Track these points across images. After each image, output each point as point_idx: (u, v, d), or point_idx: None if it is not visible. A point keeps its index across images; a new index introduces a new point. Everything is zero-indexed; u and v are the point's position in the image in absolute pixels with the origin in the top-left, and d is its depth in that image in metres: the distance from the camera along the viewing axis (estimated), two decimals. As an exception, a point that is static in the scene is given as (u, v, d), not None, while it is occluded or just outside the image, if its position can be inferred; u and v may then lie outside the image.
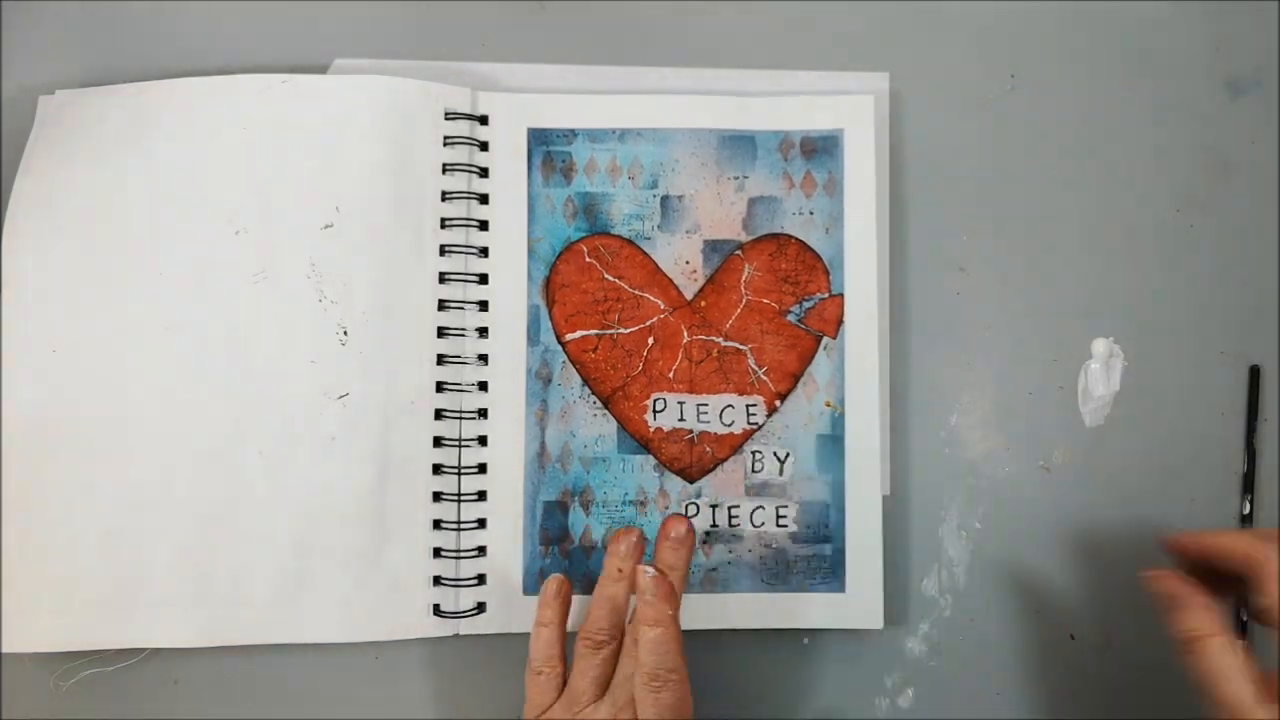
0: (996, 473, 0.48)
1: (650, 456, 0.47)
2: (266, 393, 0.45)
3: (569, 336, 0.48)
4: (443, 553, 0.46)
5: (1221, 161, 0.50)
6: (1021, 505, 0.48)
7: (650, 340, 0.48)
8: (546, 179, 0.48)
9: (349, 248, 0.46)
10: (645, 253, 0.48)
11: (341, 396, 0.45)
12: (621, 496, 0.47)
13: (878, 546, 0.47)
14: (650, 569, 0.41)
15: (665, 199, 0.48)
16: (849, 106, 0.49)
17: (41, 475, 0.45)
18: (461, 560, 0.46)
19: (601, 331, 0.48)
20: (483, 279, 0.48)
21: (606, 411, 0.47)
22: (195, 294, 0.46)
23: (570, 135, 0.48)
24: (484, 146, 0.48)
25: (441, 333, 0.47)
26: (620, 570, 0.42)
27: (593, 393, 0.47)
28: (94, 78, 0.49)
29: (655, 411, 0.47)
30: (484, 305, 0.47)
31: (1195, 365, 0.49)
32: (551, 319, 0.48)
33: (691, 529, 0.42)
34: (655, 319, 0.48)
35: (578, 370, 0.48)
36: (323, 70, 0.49)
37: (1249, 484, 0.48)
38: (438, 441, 0.46)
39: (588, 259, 0.48)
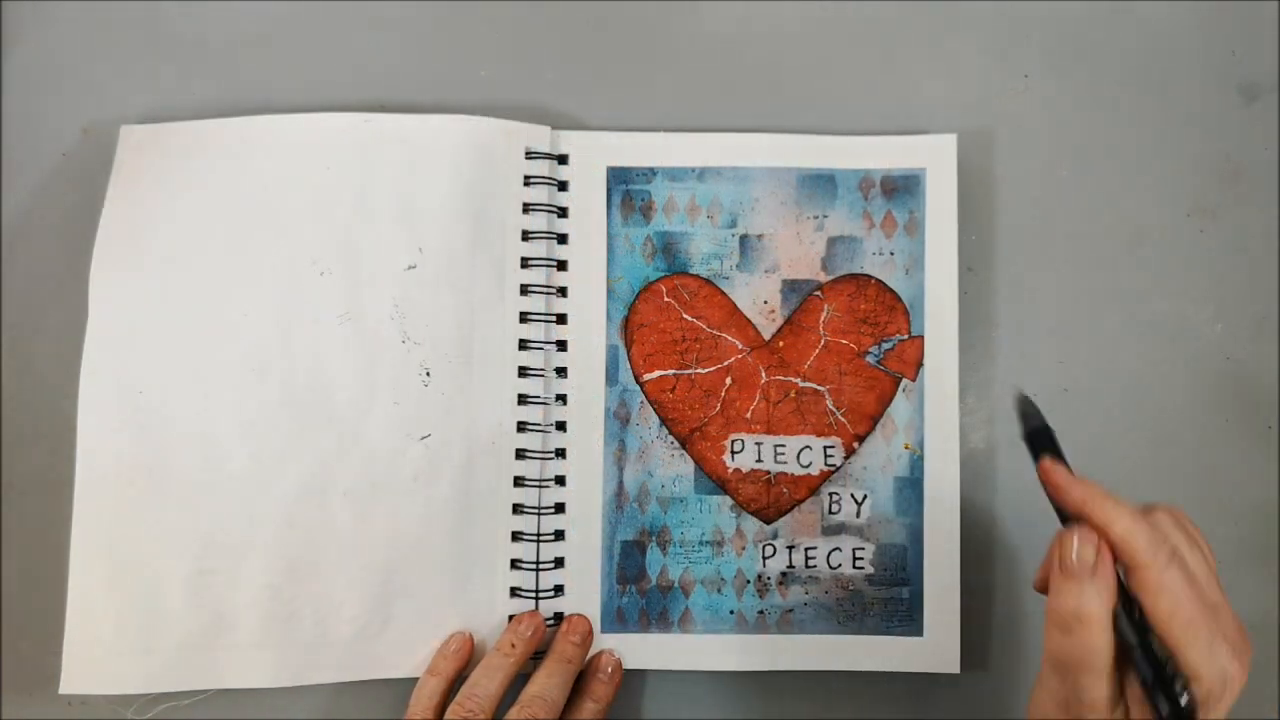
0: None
1: (727, 497, 0.47)
2: (350, 434, 0.45)
3: (647, 376, 0.48)
4: (519, 592, 0.46)
5: (1233, 166, 0.50)
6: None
7: (728, 380, 0.48)
8: (625, 218, 0.48)
9: (432, 288, 0.46)
10: (724, 292, 0.48)
11: (424, 437, 0.46)
12: (698, 537, 0.47)
13: (955, 590, 0.47)
14: (616, 653, 0.46)
15: (744, 238, 0.48)
16: (931, 146, 0.48)
17: (127, 518, 0.45)
18: (539, 600, 0.46)
19: (679, 371, 0.48)
20: (561, 319, 0.48)
21: (684, 452, 0.47)
22: (280, 335, 0.46)
23: (649, 174, 0.48)
24: (563, 186, 0.48)
25: (522, 372, 0.47)
26: (513, 646, 0.44)
27: (670, 433, 0.47)
28: (173, 113, 0.48)
29: (733, 452, 0.47)
30: (563, 345, 0.47)
31: (1201, 369, 0.49)
32: (630, 358, 0.48)
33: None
34: (733, 359, 0.48)
35: (655, 410, 0.47)
36: (404, 109, 0.49)
37: None
38: (518, 481, 0.46)
39: (666, 298, 0.48)
